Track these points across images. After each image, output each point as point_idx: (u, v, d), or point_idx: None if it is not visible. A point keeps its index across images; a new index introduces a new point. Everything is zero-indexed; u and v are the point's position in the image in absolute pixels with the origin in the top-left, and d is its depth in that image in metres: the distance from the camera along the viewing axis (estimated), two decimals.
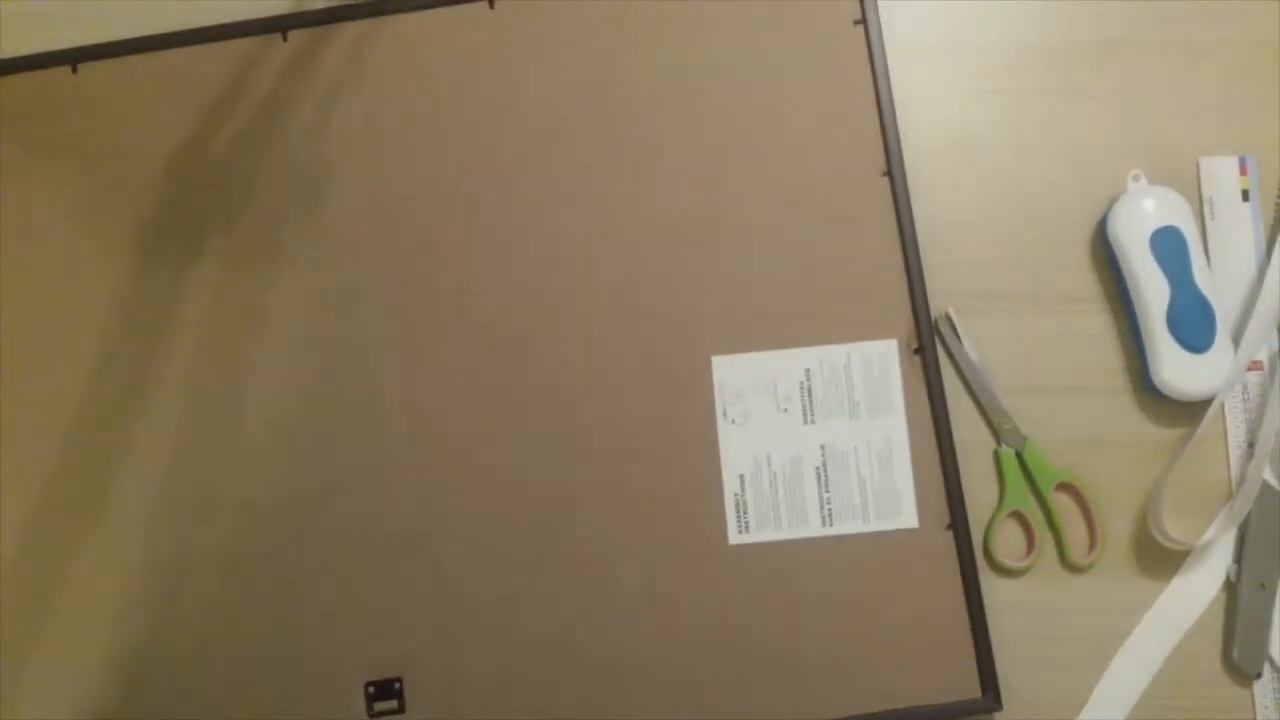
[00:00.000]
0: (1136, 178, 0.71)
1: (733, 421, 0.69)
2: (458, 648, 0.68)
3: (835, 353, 0.70)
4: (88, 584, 0.69)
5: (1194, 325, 0.68)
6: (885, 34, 0.72)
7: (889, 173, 0.71)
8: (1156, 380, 0.68)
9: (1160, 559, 0.69)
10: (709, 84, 0.72)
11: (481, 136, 0.72)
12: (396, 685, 0.68)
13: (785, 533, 0.69)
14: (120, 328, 0.71)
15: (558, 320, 0.71)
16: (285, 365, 0.71)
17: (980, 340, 0.71)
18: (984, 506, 0.69)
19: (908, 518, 0.68)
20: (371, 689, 0.68)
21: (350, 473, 0.70)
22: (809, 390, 0.69)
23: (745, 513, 0.69)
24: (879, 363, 0.69)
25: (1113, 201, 0.71)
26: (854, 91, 0.72)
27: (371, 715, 0.68)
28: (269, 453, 0.70)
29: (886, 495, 0.68)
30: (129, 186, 0.73)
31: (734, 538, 0.69)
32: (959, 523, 0.68)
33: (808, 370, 0.69)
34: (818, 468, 0.69)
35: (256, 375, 0.71)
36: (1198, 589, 0.69)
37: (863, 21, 0.72)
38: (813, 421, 0.69)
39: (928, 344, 0.69)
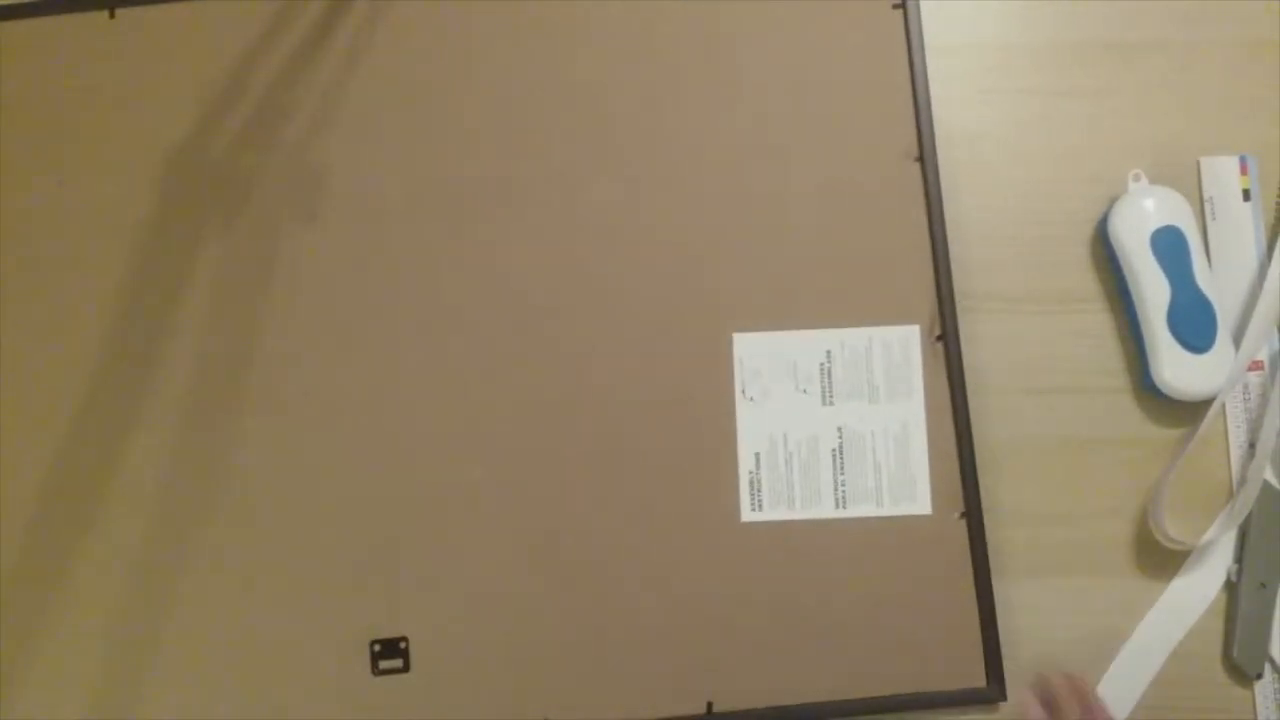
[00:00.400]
0: (1137, 177, 0.70)
1: (751, 399, 0.69)
2: (465, 612, 0.68)
3: (857, 336, 0.69)
4: (94, 553, 0.69)
5: (1195, 325, 0.68)
6: None
7: (920, 158, 0.70)
8: (1157, 380, 0.68)
9: (1160, 559, 0.69)
10: (744, 61, 0.72)
11: (515, 115, 0.72)
12: (402, 645, 0.68)
13: (798, 513, 0.68)
14: (134, 298, 0.71)
15: (579, 292, 0.71)
16: (301, 335, 0.71)
17: (980, 340, 0.70)
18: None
19: (922, 504, 0.68)
20: (377, 647, 0.68)
21: (364, 438, 0.70)
22: (829, 372, 0.69)
23: (759, 491, 0.69)
24: (900, 348, 0.69)
25: (1113, 201, 0.70)
26: (889, 75, 0.71)
27: (376, 673, 0.68)
28: (284, 419, 0.70)
29: (901, 480, 0.68)
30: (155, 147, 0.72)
31: (746, 515, 0.69)
32: (973, 511, 0.68)
33: (828, 352, 0.69)
34: (834, 449, 0.69)
35: (272, 347, 0.71)
36: (1198, 589, 0.69)
37: (902, 6, 0.71)
38: (831, 403, 0.69)
39: (950, 331, 0.69)
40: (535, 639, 0.68)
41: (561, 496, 0.69)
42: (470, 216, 0.71)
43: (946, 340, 0.69)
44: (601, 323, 0.70)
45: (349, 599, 0.68)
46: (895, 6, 0.72)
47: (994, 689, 0.66)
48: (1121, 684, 0.68)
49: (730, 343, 0.70)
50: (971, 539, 0.67)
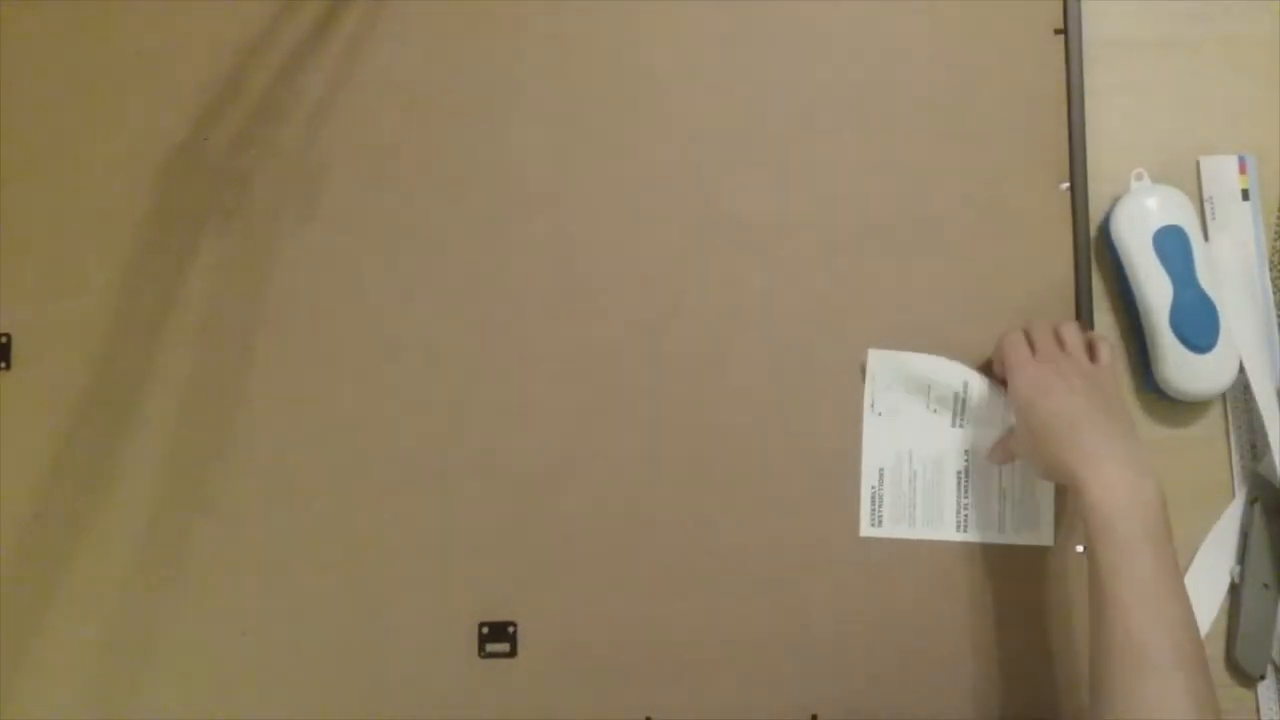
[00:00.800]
0: (1139, 176, 0.69)
1: (879, 414, 0.69)
2: (575, 602, 0.68)
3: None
4: (213, 535, 0.69)
5: (1197, 324, 0.67)
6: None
7: (1071, 186, 0.69)
8: (1160, 380, 0.68)
9: None
10: (900, 78, 0.71)
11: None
12: (510, 629, 0.68)
13: (918, 532, 0.68)
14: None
15: (712, 293, 0.70)
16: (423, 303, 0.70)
17: None
18: None
19: (1044, 535, 0.68)
20: (485, 629, 0.68)
21: (481, 418, 0.69)
22: (963, 400, 0.68)
23: (880, 506, 0.68)
24: None
25: (1115, 201, 0.69)
26: (1044, 100, 0.70)
27: (483, 656, 0.68)
28: (395, 391, 0.70)
29: (1026, 509, 0.68)
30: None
31: (865, 530, 0.68)
32: None
33: (965, 383, 0.68)
34: (960, 471, 0.68)
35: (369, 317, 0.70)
36: (1201, 590, 0.67)
37: (1064, 31, 0.70)
38: (961, 425, 0.69)
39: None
40: (643, 635, 0.68)
41: (680, 495, 0.69)
42: (606, 202, 0.71)
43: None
44: (731, 326, 0.70)
45: (459, 581, 0.68)
46: (1057, 32, 0.71)
47: None
48: None
49: (863, 357, 0.69)
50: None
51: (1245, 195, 0.70)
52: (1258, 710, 0.68)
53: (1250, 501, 0.69)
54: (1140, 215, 0.68)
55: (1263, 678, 0.67)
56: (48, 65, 0.71)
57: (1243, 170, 0.71)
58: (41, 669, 0.68)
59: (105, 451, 0.69)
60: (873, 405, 0.69)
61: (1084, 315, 0.69)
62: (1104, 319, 0.70)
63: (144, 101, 0.71)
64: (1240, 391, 0.69)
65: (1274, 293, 0.70)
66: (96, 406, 0.69)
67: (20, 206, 0.71)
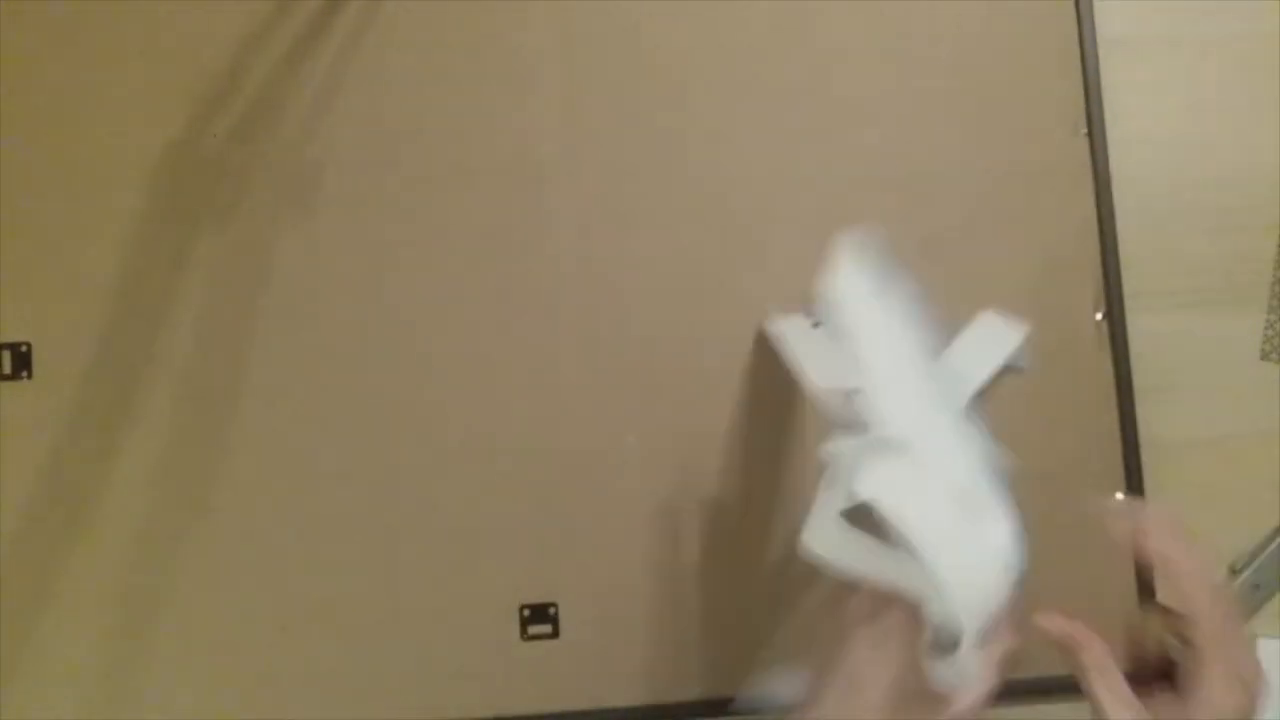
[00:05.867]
0: None
1: None
2: (618, 583, 0.68)
3: None
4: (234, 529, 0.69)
5: None
6: None
7: (1089, 133, 0.69)
8: None
9: None
10: (909, 35, 0.70)
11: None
12: (552, 611, 0.68)
13: None
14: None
15: (735, 265, 0.70)
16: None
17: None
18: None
19: None
20: (526, 612, 0.68)
21: (521, 400, 0.69)
22: None
23: None
24: None
25: None
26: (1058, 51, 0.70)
27: (525, 638, 0.68)
28: (424, 377, 0.69)
29: None
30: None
31: None
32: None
33: None
34: None
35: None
36: None
37: None
38: None
39: (1115, 311, 0.68)
40: (689, 617, 0.68)
41: (716, 471, 0.68)
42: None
43: (1113, 324, 0.68)
44: (760, 298, 0.69)
45: (498, 564, 0.68)
46: None
47: None
48: None
49: None
50: None
51: None
52: None
53: None
54: None
55: None
56: (48, 64, 0.70)
57: None
58: (63, 673, 0.67)
59: (123, 451, 0.68)
60: None
61: (1110, 263, 0.68)
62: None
63: (143, 100, 0.70)
64: None
65: (1274, 314, 0.69)
66: (108, 408, 0.68)
67: (15, 202, 0.69)
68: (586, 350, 0.69)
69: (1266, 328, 0.68)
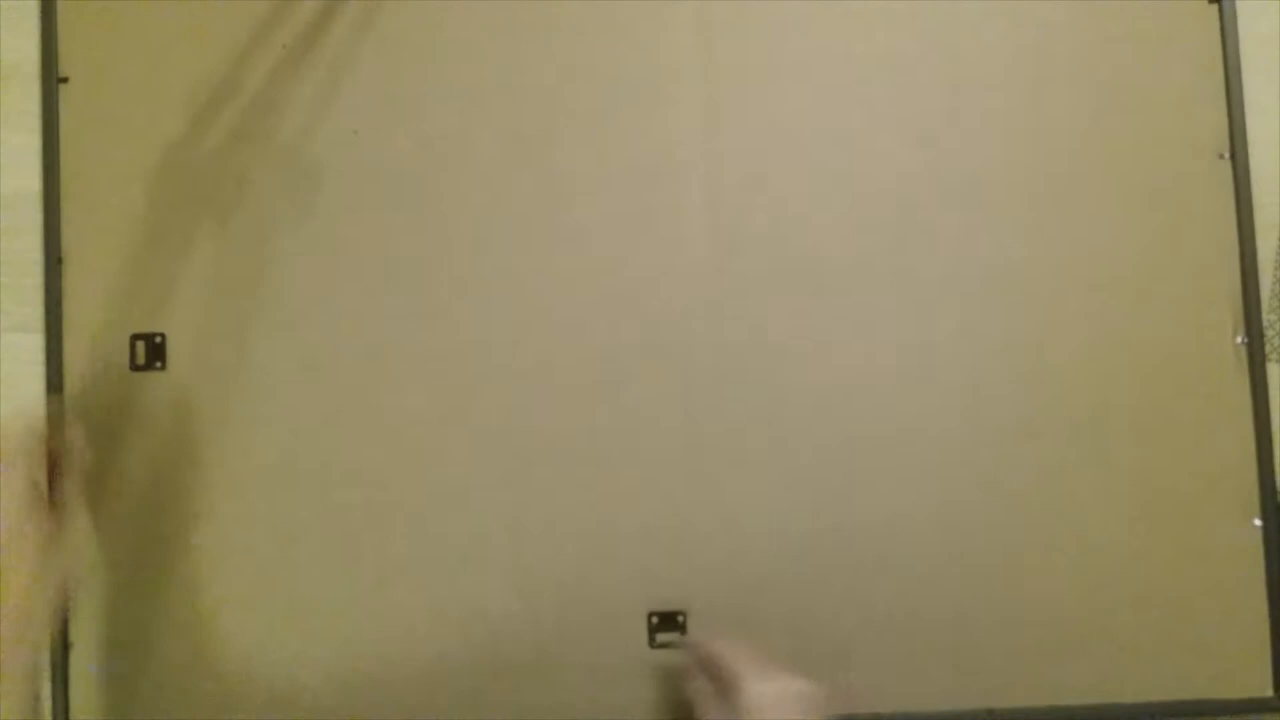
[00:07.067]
0: None
1: None
2: (745, 590, 0.68)
3: None
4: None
5: None
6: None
7: (1232, 155, 0.69)
8: None
9: None
10: (1050, 51, 0.70)
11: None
12: (680, 619, 0.68)
13: None
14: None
15: (854, 263, 0.69)
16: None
17: None
18: None
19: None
20: (655, 619, 0.68)
21: (656, 406, 0.69)
22: None
23: None
24: None
25: None
26: (1200, 70, 0.70)
27: (653, 646, 0.67)
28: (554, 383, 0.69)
29: None
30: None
31: None
32: (1269, 519, 0.67)
33: None
34: None
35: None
36: None
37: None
38: None
39: (1255, 341, 0.68)
40: (813, 624, 0.67)
41: (845, 485, 0.68)
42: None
43: (1252, 345, 0.68)
44: (890, 301, 0.69)
45: (628, 571, 0.68)
46: (1211, 1, 0.70)
47: None
48: None
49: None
50: (1266, 545, 0.67)
51: None
52: None
53: None
54: None
55: None
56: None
57: None
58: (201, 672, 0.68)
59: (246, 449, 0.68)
60: None
61: (1249, 287, 0.68)
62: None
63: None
64: None
65: (1273, 314, 0.69)
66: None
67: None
68: (712, 353, 0.69)
69: (1267, 328, 0.68)
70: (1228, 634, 0.67)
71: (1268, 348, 0.68)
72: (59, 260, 0.69)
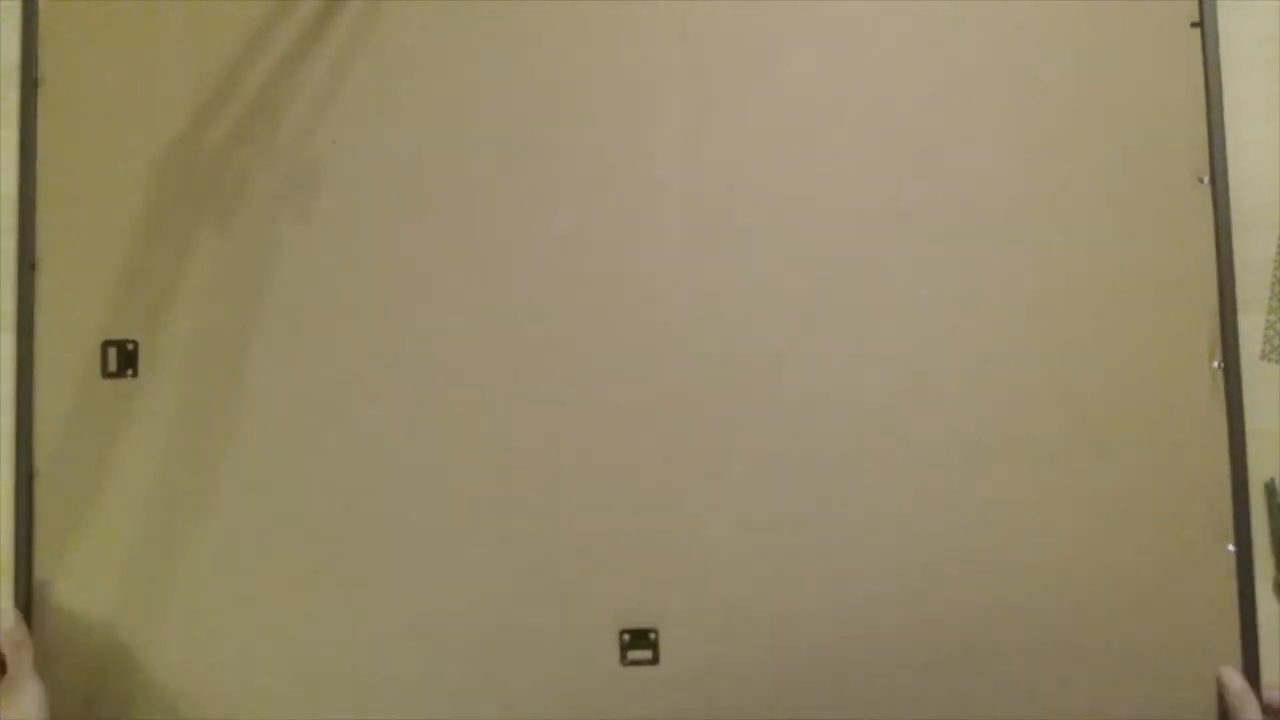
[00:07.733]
0: None
1: None
2: (718, 610, 0.67)
3: None
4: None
5: None
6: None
7: (1211, 179, 0.69)
8: None
9: None
10: (1035, 74, 0.70)
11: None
12: (651, 636, 0.67)
13: None
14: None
15: (863, 278, 0.69)
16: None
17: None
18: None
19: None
20: (626, 637, 0.67)
21: (623, 420, 0.68)
22: None
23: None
24: None
25: None
26: (1181, 94, 0.70)
27: (624, 663, 0.67)
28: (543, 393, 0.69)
29: None
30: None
31: None
32: (1242, 544, 0.67)
33: None
34: None
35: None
36: None
37: (1200, 25, 0.70)
38: None
39: (1231, 365, 0.67)
40: (788, 645, 0.67)
41: (820, 502, 0.68)
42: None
43: (1228, 371, 0.68)
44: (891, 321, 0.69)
45: (600, 588, 0.67)
46: (1194, 25, 0.70)
47: None
48: None
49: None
50: (1240, 573, 0.67)
51: None
52: None
53: None
54: None
55: None
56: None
57: None
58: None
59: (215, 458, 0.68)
60: None
61: (1226, 311, 0.68)
62: (1250, 319, 0.69)
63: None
64: None
65: (1273, 314, 0.69)
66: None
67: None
68: (687, 368, 0.68)
69: (1266, 328, 0.68)
70: (1201, 658, 0.66)
71: (1267, 348, 0.68)
72: (32, 266, 0.68)
